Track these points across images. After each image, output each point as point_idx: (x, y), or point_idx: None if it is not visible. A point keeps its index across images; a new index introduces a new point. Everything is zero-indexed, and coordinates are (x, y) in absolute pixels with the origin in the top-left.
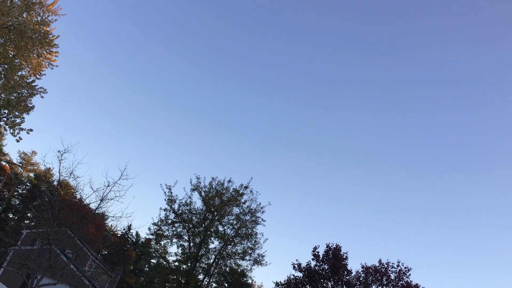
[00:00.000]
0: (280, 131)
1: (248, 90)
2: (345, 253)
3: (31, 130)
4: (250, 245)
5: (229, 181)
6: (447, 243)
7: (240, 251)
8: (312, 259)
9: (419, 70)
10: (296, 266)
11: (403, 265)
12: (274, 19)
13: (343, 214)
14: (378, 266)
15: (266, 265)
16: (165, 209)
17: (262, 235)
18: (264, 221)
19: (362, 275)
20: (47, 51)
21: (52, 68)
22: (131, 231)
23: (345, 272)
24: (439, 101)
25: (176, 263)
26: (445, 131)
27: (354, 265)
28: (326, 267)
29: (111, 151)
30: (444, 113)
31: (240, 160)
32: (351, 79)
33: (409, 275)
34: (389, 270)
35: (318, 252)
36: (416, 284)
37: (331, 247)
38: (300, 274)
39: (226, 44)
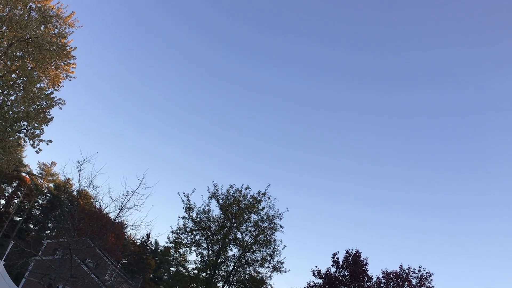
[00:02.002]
0: (298, 132)
1: (263, 92)
2: (365, 259)
3: (50, 141)
4: (269, 252)
5: (246, 188)
6: (470, 246)
7: (259, 258)
8: (332, 266)
9: (430, 70)
10: (315, 272)
11: (424, 270)
12: (293, 21)
13: (362, 219)
14: (399, 271)
15: (285, 272)
16: (184, 217)
17: (281, 241)
18: (282, 227)
19: (383, 281)
20: (65, 63)
21: (70, 80)
22: (150, 239)
23: (366, 278)
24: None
25: (195, 271)
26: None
27: (374, 271)
28: (346, 273)
29: (130, 160)
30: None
31: (256, 164)
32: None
33: (431, 280)
34: (411, 276)
35: (337, 258)
36: None
37: (351, 253)
38: (320, 281)
39: (240, 46)
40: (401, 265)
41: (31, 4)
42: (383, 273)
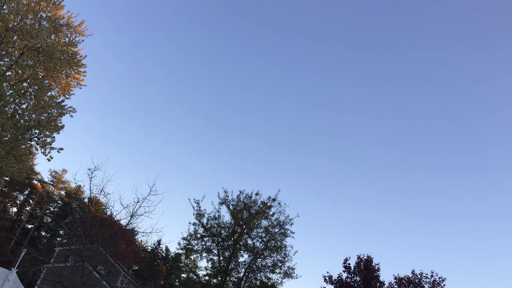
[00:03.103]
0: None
1: (276, 96)
2: (376, 264)
3: (61, 149)
4: (280, 258)
5: (256, 193)
6: (483, 250)
7: (270, 264)
8: (344, 271)
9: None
10: (327, 278)
11: (437, 275)
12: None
13: (373, 223)
14: (412, 277)
15: (296, 278)
16: (194, 224)
17: (292, 247)
18: (293, 233)
19: (395, 286)
20: (75, 71)
21: (80, 88)
22: (161, 246)
23: (378, 283)
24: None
25: (207, 277)
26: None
27: (386, 276)
28: (358, 279)
29: (140, 166)
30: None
31: (265, 169)
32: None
33: (444, 285)
34: (423, 281)
35: (349, 264)
36: None
37: (363, 259)
38: (332, 287)
39: (253, 50)
40: (413, 270)
41: (41, 13)
42: (395, 278)
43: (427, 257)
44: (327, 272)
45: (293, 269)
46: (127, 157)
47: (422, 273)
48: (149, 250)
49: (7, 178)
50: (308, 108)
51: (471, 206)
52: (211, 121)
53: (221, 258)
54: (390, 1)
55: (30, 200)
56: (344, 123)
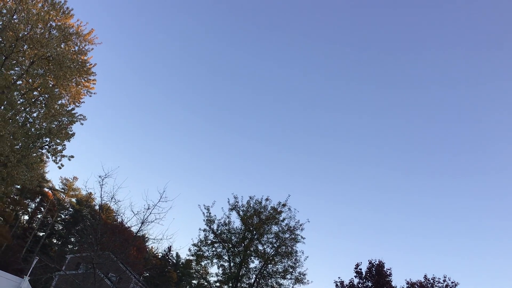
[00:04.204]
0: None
1: (285, 99)
2: (388, 269)
3: (72, 156)
4: (291, 264)
5: (266, 199)
6: (498, 254)
7: (281, 270)
8: (355, 276)
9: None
10: (338, 284)
11: (449, 280)
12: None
13: (384, 227)
14: (424, 281)
15: (308, 283)
16: (204, 230)
17: (303, 253)
18: (303, 238)
19: None
20: (85, 79)
21: (90, 96)
22: (171, 252)
23: None
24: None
25: (217, 284)
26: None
27: (398, 281)
28: (370, 284)
29: (150, 173)
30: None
31: (275, 172)
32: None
33: None
34: (436, 286)
35: (360, 269)
36: None
37: (374, 264)
38: None
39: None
40: (425, 275)
41: (51, 22)
42: (408, 283)
43: (439, 260)
44: (339, 277)
45: (304, 274)
46: (137, 163)
47: (434, 277)
48: (159, 256)
49: (18, 186)
50: (323, 110)
51: (484, 207)
52: (223, 126)
53: (231, 264)
54: (390, 1)
55: (42, 208)
56: (349, 124)
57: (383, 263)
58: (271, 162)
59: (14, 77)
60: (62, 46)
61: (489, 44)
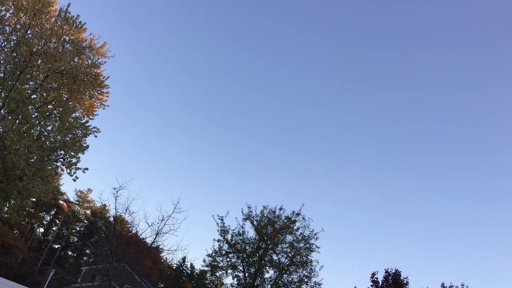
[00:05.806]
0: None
1: (295, 102)
2: (405, 277)
3: (86, 169)
4: (306, 273)
5: (280, 208)
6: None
7: (296, 280)
8: (371, 286)
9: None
10: None
11: (467, 287)
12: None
13: (400, 234)
14: None
15: None
16: (219, 240)
17: (318, 262)
18: (318, 247)
19: None
20: (99, 92)
21: (104, 108)
22: (186, 263)
23: None
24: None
25: None
26: None
27: None
28: None
29: (164, 183)
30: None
31: (287, 178)
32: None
33: None
34: None
35: (377, 278)
36: None
37: (391, 272)
38: None
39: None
40: (443, 283)
41: (64, 36)
42: None
43: (457, 268)
44: (355, 287)
45: (319, 284)
46: (151, 174)
47: (452, 286)
48: (174, 267)
49: (34, 199)
50: (334, 115)
51: (502, 212)
52: (238, 131)
53: (246, 274)
54: (390, 1)
55: (57, 220)
56: (351, 126)
57: (399, 272)
58: (277, 166)
59: (29, 91)
60: (76, 59)
61: (489, 44)
